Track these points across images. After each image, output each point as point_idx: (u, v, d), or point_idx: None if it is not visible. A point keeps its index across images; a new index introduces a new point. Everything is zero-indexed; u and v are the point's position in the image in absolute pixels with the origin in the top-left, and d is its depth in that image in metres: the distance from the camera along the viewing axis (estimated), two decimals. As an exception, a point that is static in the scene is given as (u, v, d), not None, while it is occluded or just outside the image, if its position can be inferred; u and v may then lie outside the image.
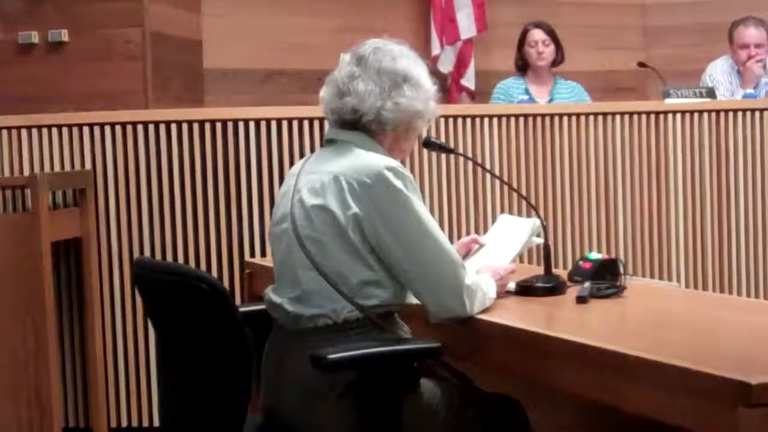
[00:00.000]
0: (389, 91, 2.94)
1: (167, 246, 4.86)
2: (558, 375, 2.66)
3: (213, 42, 6.60)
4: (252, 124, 4.90)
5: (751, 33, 6.27)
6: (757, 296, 5.29)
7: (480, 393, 3.04)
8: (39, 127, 4.87)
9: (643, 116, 5.26)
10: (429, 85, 3.03)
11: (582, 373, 2.54)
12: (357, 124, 2.96)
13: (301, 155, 4.80)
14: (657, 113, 5.28)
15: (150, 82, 5.89)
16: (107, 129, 4.87)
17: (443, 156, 5.00)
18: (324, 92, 3.03)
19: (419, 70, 3.02)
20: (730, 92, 6.21)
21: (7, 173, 4.84)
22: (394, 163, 2.90)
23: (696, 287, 5.24)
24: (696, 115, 5.30)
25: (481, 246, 3.45)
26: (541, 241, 3.40)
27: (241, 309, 2.89)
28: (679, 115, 5.28)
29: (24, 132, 4.87)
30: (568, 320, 3.05)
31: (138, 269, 2.95)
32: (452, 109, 5.48)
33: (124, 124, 4.87)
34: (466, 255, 3.42)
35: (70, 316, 4.86)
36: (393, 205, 2.84)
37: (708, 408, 2.16)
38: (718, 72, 6.35)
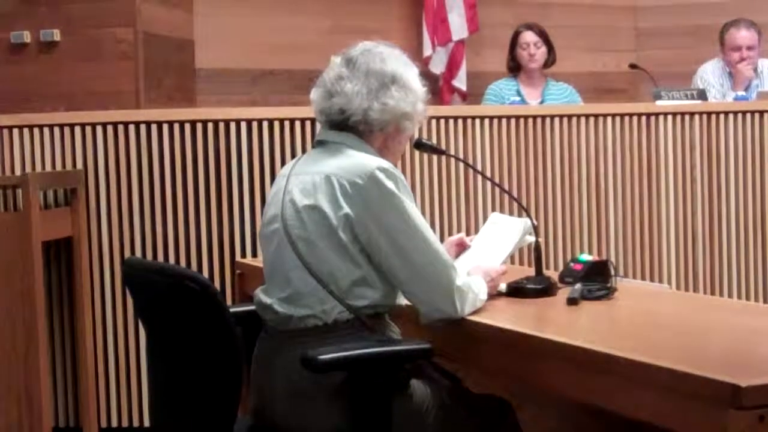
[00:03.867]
0: (376, 92, 2.95)
1: (158, 246, 4.86)
2: (548, 376, 2.66)
3: (205, 42, 6.60)
4: (243, 125, 4.90)
5: (743, 35, 6.28)
6: (747, 298, 5.30)
7: (470, 394, 3.05)
8: (30, 127, 4.86)
9: (635, 118, 5.27)
10: (418, 88, 3.03)
11: (572, 374, 2.55)
12: (345, 125, 2.97)
13: (293, 155, 4.80)
14: (648, 115, 5.29)
15: (142, 82, 5.89)
16: (99, 129, 4.86)
17: (435, 157, 5.00)
18: (314, 94, 3.04)
19: (409, 73, 3.02)
20: (722, 94, 6.22)
21: (-2, 172, 4.84)
22: (385, 163, 2.91)
23: (687, 289, 5.25)
24: (687, 116, 5.31)
25: (467, 248, 3.45)
26: (533, 239, 3.40)
27: (232, 309, 2.88)
28: (670, 117, 5.29)
29: (15, 131, 4.86)
30: (559, 322, 3.06)
31: (128, 269, 2.95)
32: (444, 110, 5.47)
33: (115, 124, 4.87)
34: (458, 255, 3.43)
35: (61, 316, 4.85)
36: (384, 206, 2.85)
37: (698, 410, 2.16)
38: (709, 74, 6.37)
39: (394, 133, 3.01)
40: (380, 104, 2.95)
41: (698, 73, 6.43)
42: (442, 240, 3.14)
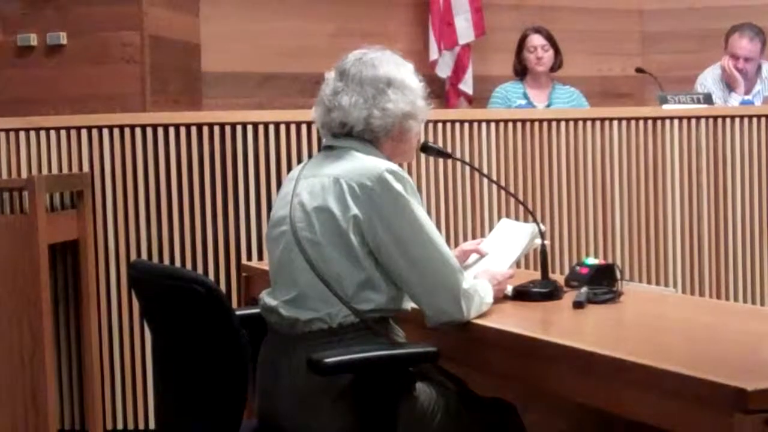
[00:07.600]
0: (373, 99, 2.95)
1: (164, 249, 4.86)
2: (554, 380, 2.66)
3: (211, 45, 6.60)
4: (249, 128, 4.90)
5: (743, 46, 6.29)
6: (753, 302, 5.30)
7: (476, 397, 3.05)
8: (37, 130, 4.87)
9: (641, 122, 5.27)
10: (415, 85, 3.04)
11: (578, 378, 2.55)
12: (350, 135, 2.98)
13: (299, 159, 4.81)
14: (654, 119, 5.29)
15: (148, 85, 5.89)
16: (105, 132, 4.87)
17: (441, 161, 5.00)
18: (314, 112, 3.07)
19: (402, 72, 3.02)
20: (723, 100, 6.22)
21: (4, 175, 4.84)
22: (394, 166, 2.91)
23: (693, 293, 5.25)
24: (693, 121, 5.31)
25: (482, 255, 3.45)
26: (541, 242, 3.40)
27: (238, 312, 2.89)
28: (676, 121, 5.29)
29: (22, 134, 4.87)
30: (565, 325, 3.06)
31: (134, 272, 2.95)
32: (450, 113, 5.48)
33: (121, 127, 4.88)
34: (467, 260, 3.42)
35: (67, 318, 4.86)
36: (393, 208, 2.85)
37: (704, 414, 2.16)
38: (709, 81, 6.37)
39: (399, 134, 3.02)
40: (380, 110, 2.96)
41: (698, 80, 6.44)
42: (450, 246, 3.13)
